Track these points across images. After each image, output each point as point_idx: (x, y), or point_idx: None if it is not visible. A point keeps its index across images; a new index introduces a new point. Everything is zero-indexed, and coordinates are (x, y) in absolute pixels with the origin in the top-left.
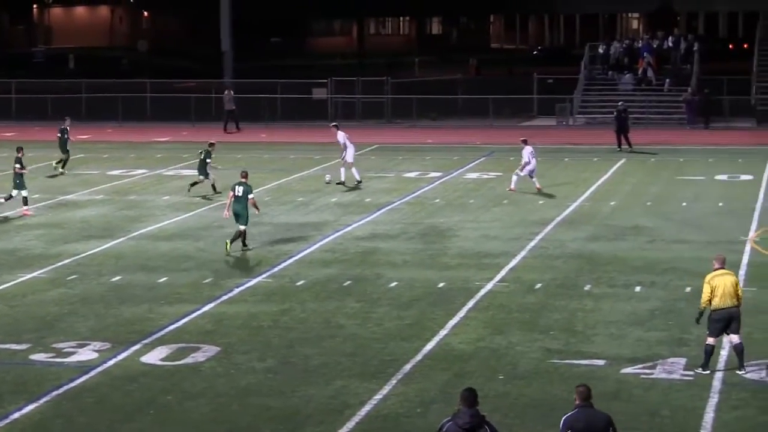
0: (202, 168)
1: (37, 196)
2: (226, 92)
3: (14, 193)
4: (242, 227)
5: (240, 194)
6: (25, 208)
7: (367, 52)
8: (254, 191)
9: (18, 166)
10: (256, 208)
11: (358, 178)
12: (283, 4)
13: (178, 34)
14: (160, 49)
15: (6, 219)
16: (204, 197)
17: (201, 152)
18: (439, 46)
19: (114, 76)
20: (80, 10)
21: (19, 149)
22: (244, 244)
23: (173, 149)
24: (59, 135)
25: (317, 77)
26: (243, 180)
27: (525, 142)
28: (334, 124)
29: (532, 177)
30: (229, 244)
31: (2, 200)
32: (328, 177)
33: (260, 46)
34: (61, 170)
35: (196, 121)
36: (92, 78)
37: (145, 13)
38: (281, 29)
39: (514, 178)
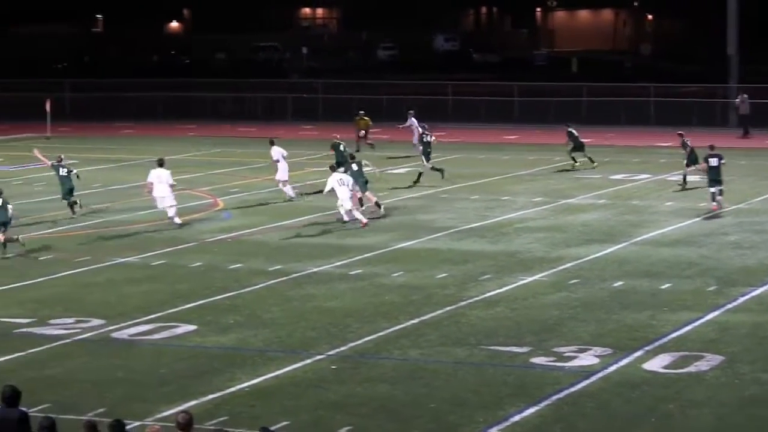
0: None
1: (539, 199)
2: (739, 97)
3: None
4: None
5: None
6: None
7: None
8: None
9: None
10: None
11: None
12: None
13: (682, 37)
14: (664, 52)
15: (508, 221)
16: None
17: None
18: None
19: (616, 80)
20: (584, 14)
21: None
22: None
23: (678, 155)
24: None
25: None
26: None
27: None
28: None
29: None
30: None
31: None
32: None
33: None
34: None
35: (698, 126)
36: (594, 82)
37: (649, 16)
38: None
39: None
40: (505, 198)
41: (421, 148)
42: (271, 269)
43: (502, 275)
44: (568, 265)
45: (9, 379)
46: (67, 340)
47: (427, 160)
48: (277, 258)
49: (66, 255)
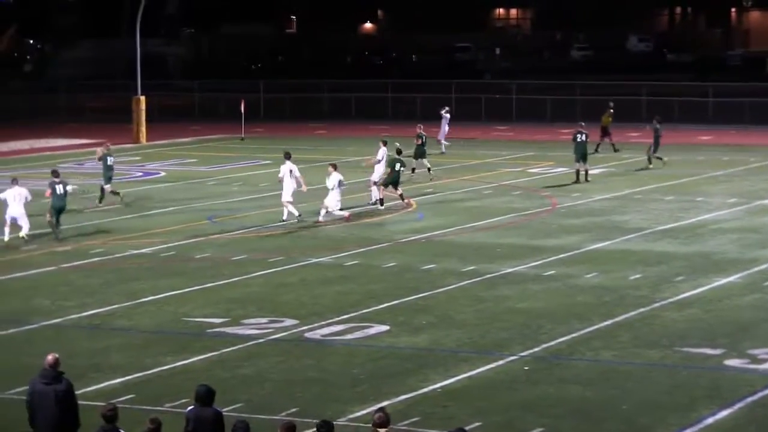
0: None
1: (733, 200)
2: None
3: None
4: None
5: None
6: None
7: None
8: None
9: None
10: None
11: None
12: None
13: None
14: None
15: (702, 223)
16: None
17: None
18: None
19: None
20: None
21: None
22: None
23: None
24: None
25: None
26: None
27: None
28: None
29: None
30: None
31: None
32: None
33: None
34: None
35: None
36: None
37: None
38: None
39: None
40: (700, 199)
41: (573, 147)
42: (464, 270)
43: (695, 277)
44: (763, 266)
45: (203, 378)
46: (261, 340)
47: (584, 161)
48: (471, 259)
49: (259, 255)
